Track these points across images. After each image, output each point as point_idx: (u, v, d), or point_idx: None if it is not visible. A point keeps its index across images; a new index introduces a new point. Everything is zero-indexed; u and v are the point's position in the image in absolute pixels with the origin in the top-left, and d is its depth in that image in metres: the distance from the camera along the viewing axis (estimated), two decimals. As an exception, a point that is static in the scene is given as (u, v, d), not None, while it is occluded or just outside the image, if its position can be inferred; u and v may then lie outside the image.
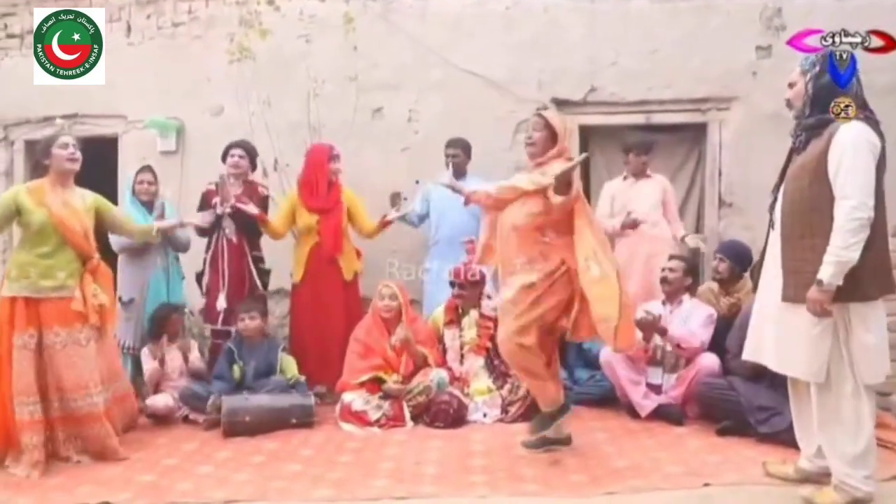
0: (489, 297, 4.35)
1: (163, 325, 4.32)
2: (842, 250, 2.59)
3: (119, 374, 3.86)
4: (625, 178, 4.85)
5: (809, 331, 2.69)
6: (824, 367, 2.68)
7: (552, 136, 3.28)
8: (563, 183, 3.08)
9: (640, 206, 4.66)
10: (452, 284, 4.40)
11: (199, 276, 4.64)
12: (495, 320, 4.22)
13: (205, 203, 4.58)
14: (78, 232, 3.48)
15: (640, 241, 4.63)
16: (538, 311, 3.19)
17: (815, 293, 2.62)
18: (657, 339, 4.09)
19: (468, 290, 4.35)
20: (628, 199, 4.73)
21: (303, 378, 4.24)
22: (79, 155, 3.55)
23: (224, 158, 4.62)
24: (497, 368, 4.28)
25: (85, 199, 3.63)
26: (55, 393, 3.42)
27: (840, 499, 2.73)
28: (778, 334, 2.82)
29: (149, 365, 4.24)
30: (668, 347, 4.07)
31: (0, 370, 3.37)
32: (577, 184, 3.18)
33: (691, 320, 4.10)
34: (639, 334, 3.84)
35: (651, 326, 4.01)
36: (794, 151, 2.86)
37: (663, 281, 4.22)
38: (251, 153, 4.67)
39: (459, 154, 4.75)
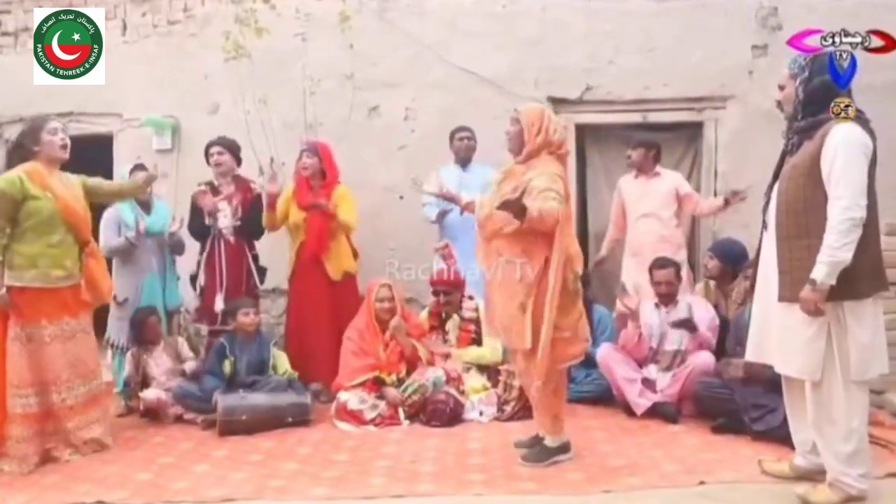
0: (470, 298, 4.36)
1: (141, 328, 4.31)
2: (835, 250, 2.61)
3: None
4: (636, 176, 4.84)
5: (804, 330, 2.70)
6: (819, 365, 2.70)
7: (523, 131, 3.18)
8: (512, 211, 2.94)
9: (649, 204, 4.70)
10: (436, 293, 4.39)
11: (192, 278, 4.62)
12: (476, 321, 4.26)
13: (195, 206, 4.56)
14: (82, 217, 3.47)
15: (653, 244, 4.63)
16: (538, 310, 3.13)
17: (809, 293, 2.64)
18: (652, 340, 4.11)
19: (452, 296, 4.35)
20: (637, 197, 4.77)
21: (296, 374, 4.25)
22: (69, 141, 3.50)
23: (207, 159, 4.60)
24: (486, 368, 4.28)
25: (73, 182, 3.57)
26: (63, 383, 3.41)
27: (835, 497, 2.74)
28: (777, 334, 2.83)
29: (128, 372, 4.26)
30: (667, 347, 4.07)
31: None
32: (557, 199, 3.00)
33: (698, 321, 4.06)
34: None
35: (684, 324, 4.04)
36: (786, 153, 2.88)
37: (658, 293, 4.20)
38: (231, 148, 4.62)
39: (472, 136, 4.76)
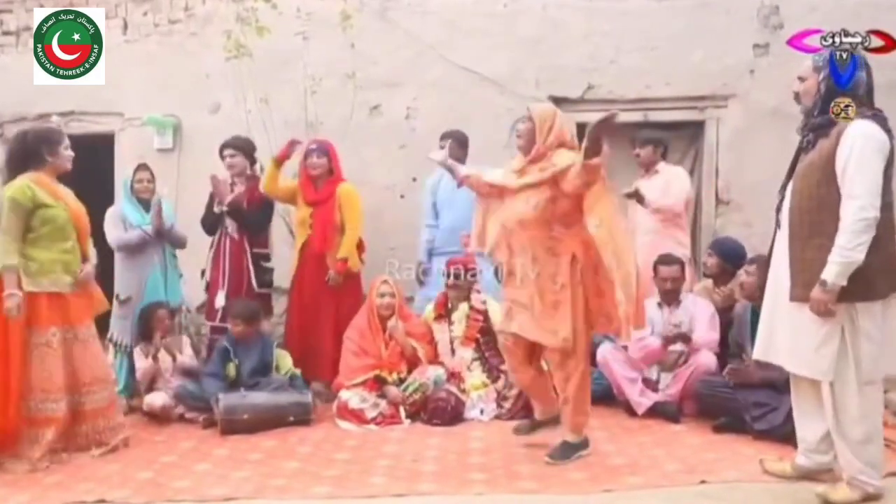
0: (478, 292, 4.35)
1: (149, 322, 4.31)
2: (847, 251, 2.57)
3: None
4: (641, 176, 4.78)
5: (817, 331, 2.67)
6: (833, 366, 2.66)
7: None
8: (594, 141, 2.94)
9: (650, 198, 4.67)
10: (448, 275, 4.35)
11: (203, 274, 4.63)
12: (485, 313, 4.25)
13: (212, 201, 4.57)
14: (86, 226, 3.55)
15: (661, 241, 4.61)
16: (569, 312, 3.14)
17: (819, 293, 2.61)
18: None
19: (463, 282, 4.34)
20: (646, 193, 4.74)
21: (298, 371, 4.25)
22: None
23: (222, 159, 4.61)
24: (489, 361, 4.28)
25: (72, 194, 3.62)
26: (84, 387, 3.46)
27: (854, 494, 2.72)
28: (788, 334, 2.81)
29: (141, 363, 4.25)
30: (678, 347, 4.05)
31: (8, 367, 3.32)
32: (606, 151, 3.07)
33: (696, 321, 4.07)
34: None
35: (679, 337, 4.04)
36: (801, 150, 2.83)
37: (663, 290, 4.18)
38: (244, 148, 4.62)
39: (452, 145, 4.68)
